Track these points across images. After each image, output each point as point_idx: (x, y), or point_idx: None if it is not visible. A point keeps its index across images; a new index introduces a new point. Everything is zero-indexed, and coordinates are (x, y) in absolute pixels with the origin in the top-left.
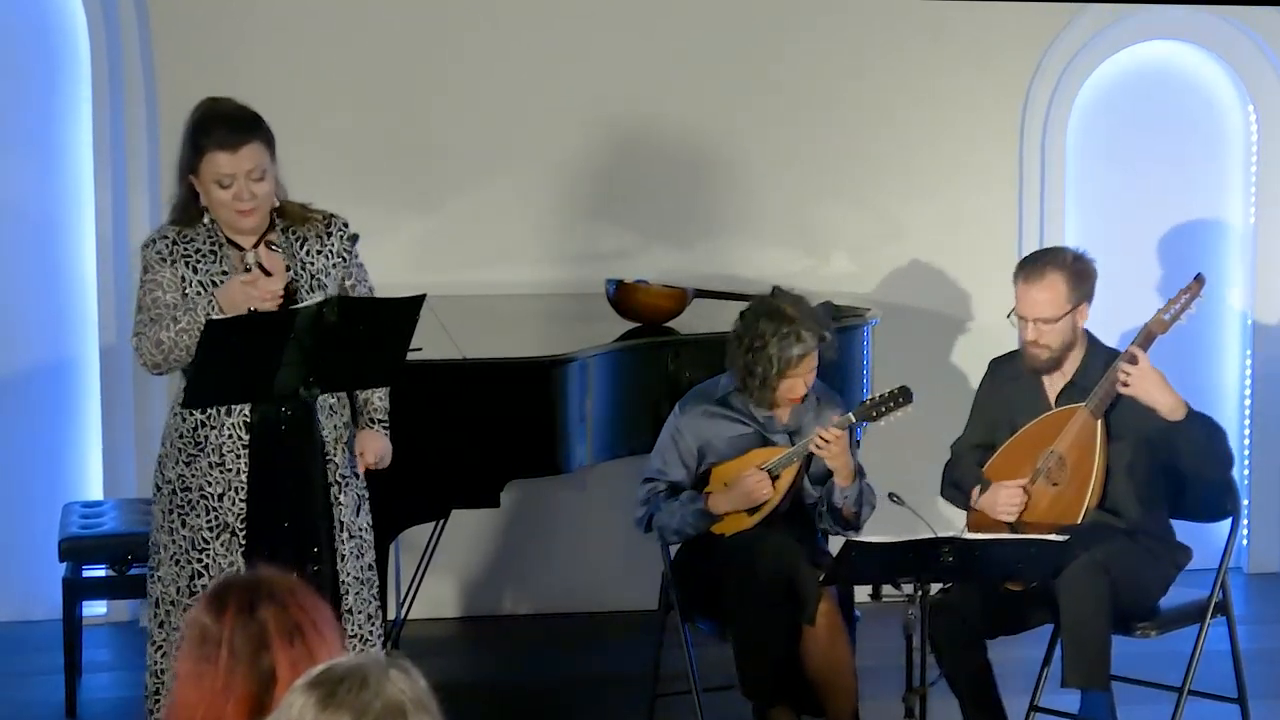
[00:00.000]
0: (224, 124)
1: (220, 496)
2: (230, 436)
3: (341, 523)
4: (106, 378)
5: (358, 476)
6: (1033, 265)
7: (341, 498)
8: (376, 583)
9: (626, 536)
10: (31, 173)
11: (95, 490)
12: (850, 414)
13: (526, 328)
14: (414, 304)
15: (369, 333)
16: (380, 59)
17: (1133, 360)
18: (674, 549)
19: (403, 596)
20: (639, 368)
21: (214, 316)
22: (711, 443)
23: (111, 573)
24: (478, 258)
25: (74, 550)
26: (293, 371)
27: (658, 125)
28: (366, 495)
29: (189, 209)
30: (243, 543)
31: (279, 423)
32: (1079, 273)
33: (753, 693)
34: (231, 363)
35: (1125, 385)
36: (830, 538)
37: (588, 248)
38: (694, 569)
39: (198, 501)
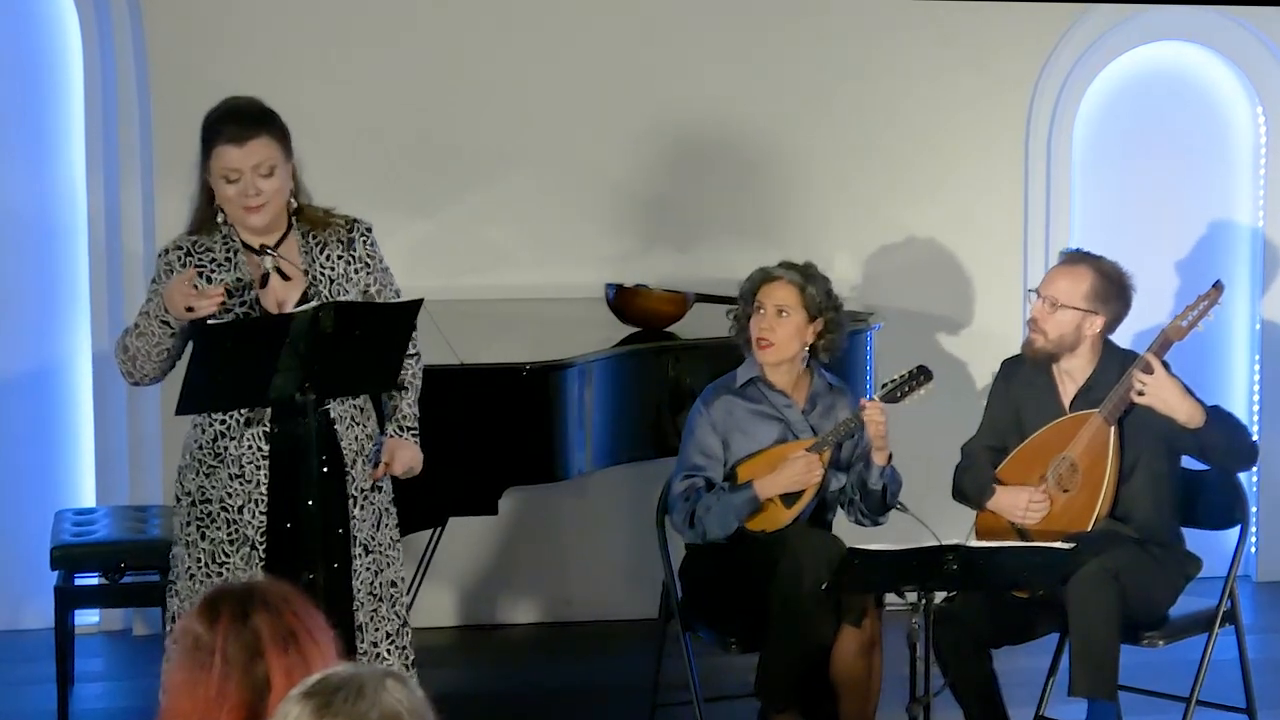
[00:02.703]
0: (233, 119)
1: (240, 509)
2: (250, 448)
3: (354, 537)
4: (99, 383)
5: (380, 490)
6: (1073, 253)
7: (357, 511)
8: (402, 599)
9: (626, 544)
10: (24, 175)
11: (88, 497)
12: (875, 396)
13: (525, 332)
14: (411, 309)
15: (366, 338)
16: (379, 60)
17: (1147, 369)
18: (682, 551)
19: None
20: (639, 373)
21: (165, 318)
22: (733, 433)
23: (104, 581)
24: (476, 262)
25: (66, 558)
26: (289, 377)
27: (659, 128)
28: (392, 510)
29: (204, 213)
30: (263, 557)
31: (300, 434)
32: (1110, 279)
33: (769, 696)
34: (224, 368)
35: (1140, 395)
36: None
37: (587, 251)
38: (708, 573)
39: (218, 514)
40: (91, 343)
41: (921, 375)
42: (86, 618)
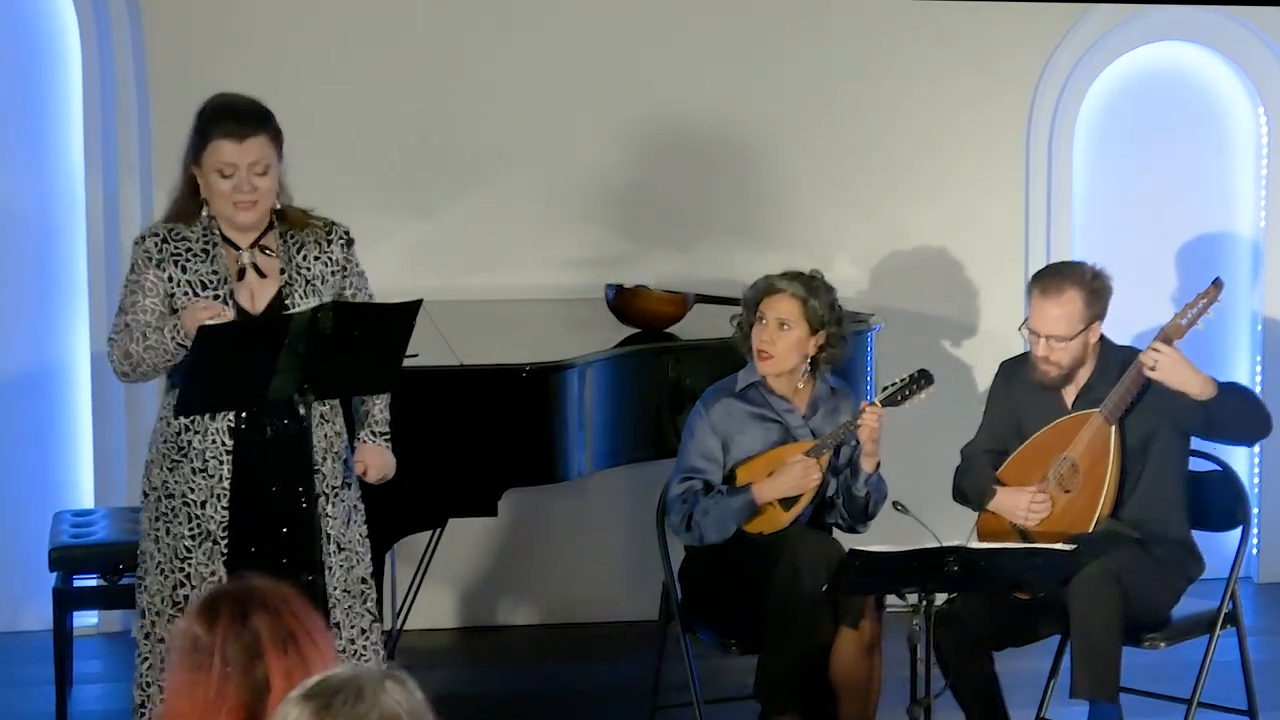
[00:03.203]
0: (233, 114)
1: (202, 504)
2: (214, 442)
3: (329, 535)
4: (97, 383)
5: (349, 487)
6: (1050, 280)
7: (329, 509)
8: (373, 595)
9: (626, 546)
10: (22, 175)
11: (86, 499)
12: (875, 400)
13: (525, 333)
14: (410, 310)
15: (364, 339)
16: (379, 61)
17: (1159, 348)
18: (682, 553)
19: (399, 607)
20: (639, 374)
21: (182, 341)
22: (733, 436)
23: (103, 582)
24: (475, 262)
25: (65, 560)
26: (287, 378)
27: (658, 129)
28: (360, 507)
29: (187, 204)
30: (224, 551)
31: (266, 429)
32: (1095, 291)
33: (769, 698)
34: (224, 369)
35: (1153, 370)
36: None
37: (587, 252)
38: (707, 574)
39: (180, 509)
40: (90, 343)
41: (922, 379)
42: (85, 619)
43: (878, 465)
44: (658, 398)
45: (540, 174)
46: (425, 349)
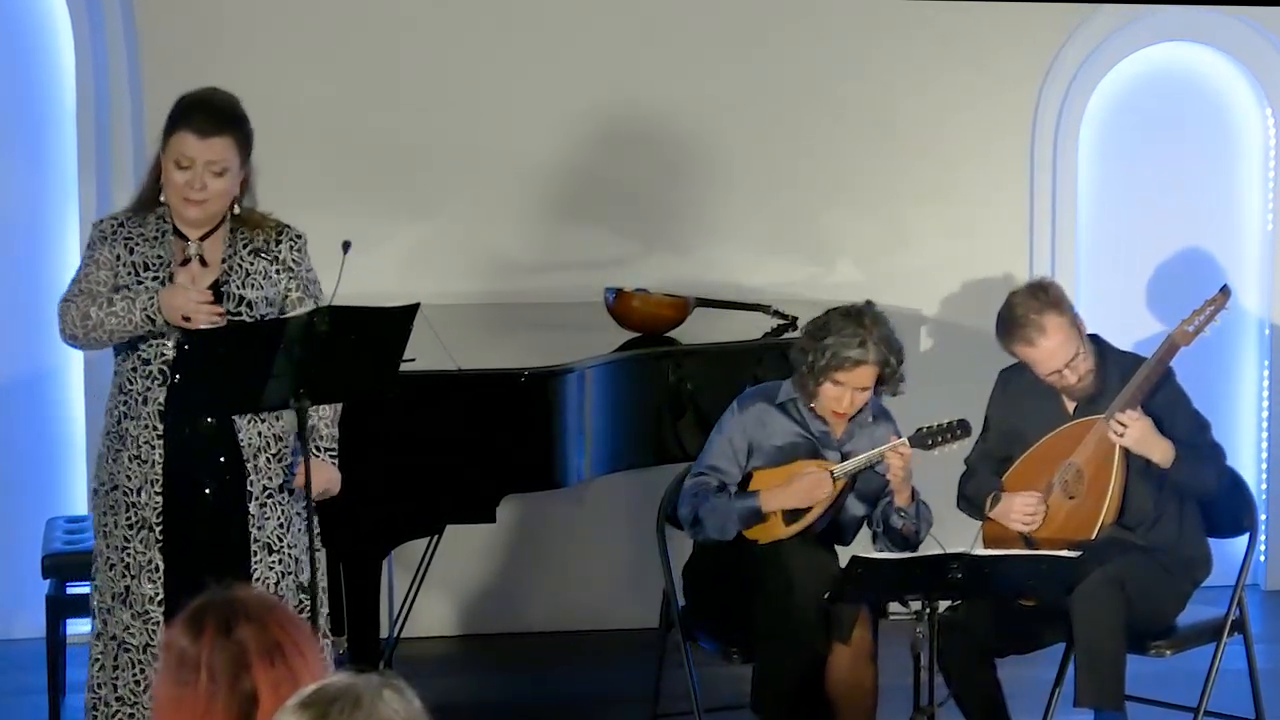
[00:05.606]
0: (205, 110)
1: (138, 491)
2: (146, 427)
3: (255, 536)
4: (91, 389)
5: (286, 492)
6: (1025, 329)
7: (254, 509)
8: (321, 610)
9: (626, 552)
10: (16, 177)
11: (79, 505)
12: (906, 439)
13: (523, 337)
14: (407, 313)
15: (361, 343)
16: (373, 64)
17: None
18: (683, 557)
19: (396, 614)
20: (639, 379)
21: (152, 315)
22: (761, 444)
23: None
24: (474, 266)
25: (57, 566)
26: (283, 382)
27: (658, 131)
28: (302, 515)
29: (150, 190)
30: (160, 538)
31: (195, 417)
32: (1056, 301)
33: (765, 711)
34: (219, 374)
35: (1121, 437)
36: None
37: (586, 256)
38: (710, 577)
39: (121, 499)
40: None
41: (959, 429)
42: (78, 627)
43: (913, 496)
44: (658, 402)
45: (539, 176)
46: (423, 353)
